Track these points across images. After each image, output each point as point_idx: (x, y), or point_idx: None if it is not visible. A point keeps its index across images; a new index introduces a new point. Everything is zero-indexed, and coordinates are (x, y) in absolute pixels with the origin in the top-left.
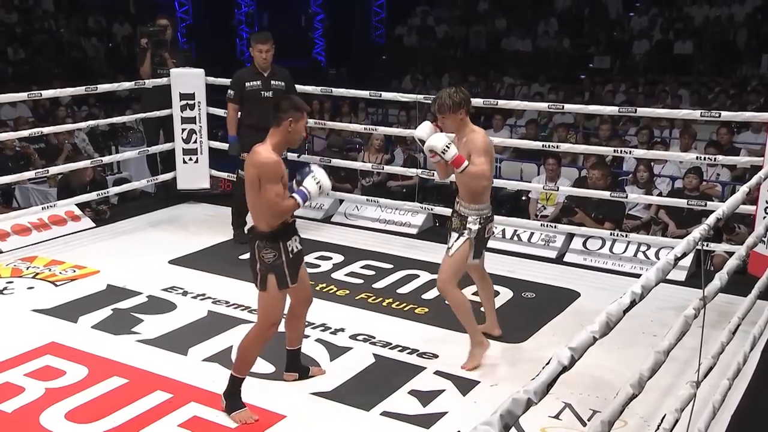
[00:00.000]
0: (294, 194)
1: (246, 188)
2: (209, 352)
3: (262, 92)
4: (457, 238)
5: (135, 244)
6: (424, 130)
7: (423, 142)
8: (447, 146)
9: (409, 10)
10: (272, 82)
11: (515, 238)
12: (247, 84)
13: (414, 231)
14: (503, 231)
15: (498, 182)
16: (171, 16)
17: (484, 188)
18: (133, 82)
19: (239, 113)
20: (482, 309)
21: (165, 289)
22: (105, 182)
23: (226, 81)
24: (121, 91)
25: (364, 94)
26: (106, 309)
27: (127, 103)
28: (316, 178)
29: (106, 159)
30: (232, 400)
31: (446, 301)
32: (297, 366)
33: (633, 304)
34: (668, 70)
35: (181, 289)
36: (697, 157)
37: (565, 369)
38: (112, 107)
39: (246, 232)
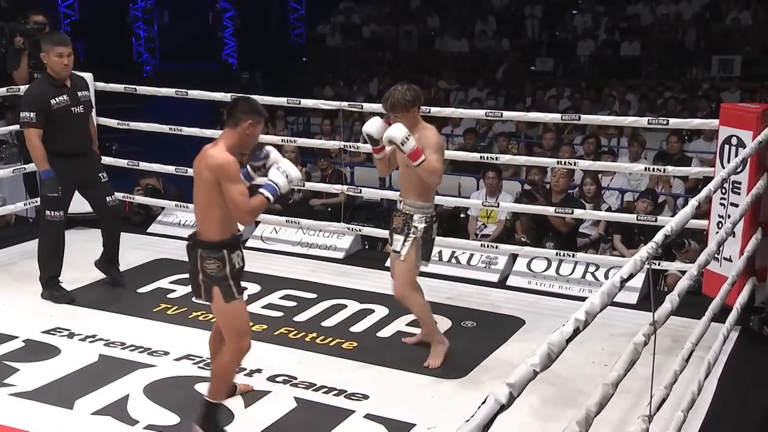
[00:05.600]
0: (261, 190)
1: (197, 194)
2: (100, 403)
3: (73, 108)
4: (405, 241)
5: (8, 279)
6: (374, 125)
7: (371, 138)
8: (406, 138)
9: (332, 7)
10: (79, 93)
11: (453, 260)
12: (53, 101)
13: (340, 255)
14: (440, 253)
15: None
16: (53, 10)
17: (434, 186)
18: (4, 89)
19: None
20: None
21: (46, 332)
22: None
23: (119, 87)
24: None
25: (281, 101)
26: None
27: None
28: (282, 169)
29: None
30: (209, 428)
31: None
32: None
33: (576, 332)
34: (615, 73)
35: (66, 330)
36: (646, 169)
37: (503, 408)
38: None
39: (187, 237)
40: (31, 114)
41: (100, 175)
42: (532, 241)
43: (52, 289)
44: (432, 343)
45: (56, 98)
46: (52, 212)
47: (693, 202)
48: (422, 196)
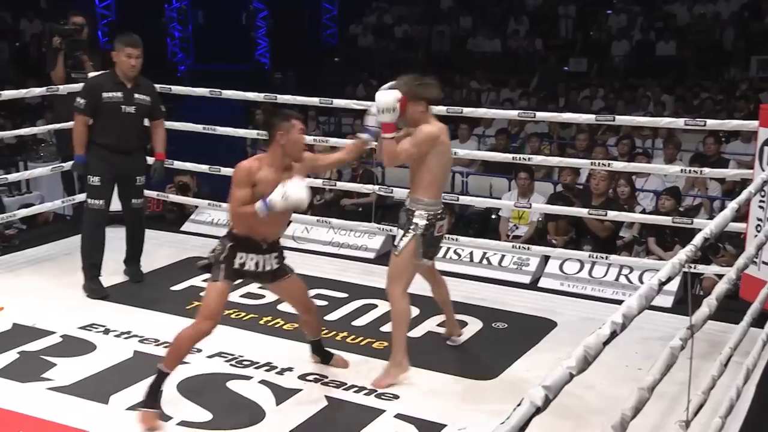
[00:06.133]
0: (257, 203)
1: None
2: (135, 399)
3: (123, 106)
4: (403, 236)
5: (47, 275)
6: (387, 95)
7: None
8: (390, 109)
9: (364, 8)
10: (136, 95)
11: (484, 261)
12: (105, 94)
13: (371, 255)
14: (471, 254)
15: (465, 199)
16: (90, 11)
17: (431, 181)
18: (44, 88)
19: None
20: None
21: (83, 327)
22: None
23: (155, 85)
24: (31, 99)
25: (314, 101)
26: (12, 352)
27: (38, 112)
28: (283, 190)
29: (12, 176)
30: (151, 397)
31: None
32: (320, 352)
33: (614, 335)
34: (650, 73)
35: (102, 326)
36: (682, 170)
37: (538, 410)
38: (20, 117)
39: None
40: (82, 101)
41: (138, 177)
42: (571, 245)
43: (90, 282)
44: (390, 361)
45: (110, 93)
46: (93, 200)
47: (732, 204)
48: (427, 192)
